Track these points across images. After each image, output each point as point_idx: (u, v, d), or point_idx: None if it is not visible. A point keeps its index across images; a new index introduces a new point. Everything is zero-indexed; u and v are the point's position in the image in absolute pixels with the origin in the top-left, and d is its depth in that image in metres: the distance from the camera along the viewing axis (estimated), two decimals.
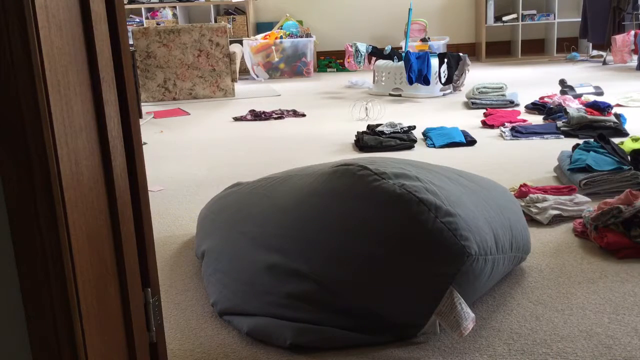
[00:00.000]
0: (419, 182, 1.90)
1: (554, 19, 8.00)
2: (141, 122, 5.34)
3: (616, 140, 3.55)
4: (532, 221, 2.69)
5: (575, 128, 4.18)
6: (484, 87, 5.43)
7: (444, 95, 5.98)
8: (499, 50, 8.32)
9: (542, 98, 5.12)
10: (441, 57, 5.94)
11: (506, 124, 4.51)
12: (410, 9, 6.97)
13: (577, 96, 5.17)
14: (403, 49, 6.76)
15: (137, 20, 7.92)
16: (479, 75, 6.87)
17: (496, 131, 4.44)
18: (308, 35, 7.67)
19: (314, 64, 7.81)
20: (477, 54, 8.24)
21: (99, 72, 1.13)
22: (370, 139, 4.14)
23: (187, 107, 6.03)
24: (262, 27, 8.14)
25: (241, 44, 7.52)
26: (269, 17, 8.24)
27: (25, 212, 0.97)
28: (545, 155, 3.73)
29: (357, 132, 4.33)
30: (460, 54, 6.08)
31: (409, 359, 1.78)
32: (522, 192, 2.94)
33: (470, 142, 4.12)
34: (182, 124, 5.29)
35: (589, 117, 4.19)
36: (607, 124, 4.14)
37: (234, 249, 2.16)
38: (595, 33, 7.39)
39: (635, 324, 1.90)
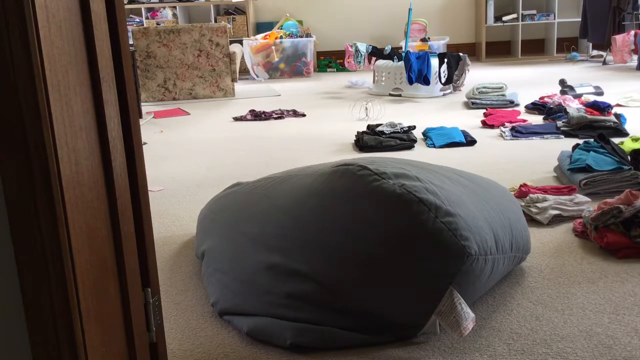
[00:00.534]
0: (419, 182, 1.90)
1: (554, 19, 8.01)
2: (141, 122, 5.34)
3: (616, 140, 3.55)
4: (532, 221, 2.69)
5: (575, 128, 4.18)
6: (484, 87, 5.43)
7: (444, 95, 5.98)
8: (499, 50, 8.32)
9: (542, 98, 5.12)
10: (441, 57, 5.94)
11: (506, 124, 4.51)
12: (410, 9, 6.97)
13: (577, 96, 5.17)
14: (403, 49, 6.76)
15: (137, 20, 7.92)
16: (479, 75, 6.87)
17: (496, 131, 4.44)
18: (308, 35, 7.68)
19: (314, 64, 7.81)
20: (477, 54, 8.24)
21: (99, 72, 1.13)
22: (370, 139, 4.14)
23: (187, 107, 6.03)
24: (262, 27, 8.14)
25: (241, 44, 7.52)
26: (269, 17, 8.24)
27: (25, 212, 0.97)
28: (545, 155, 3.73)
29: (357, 132, 4.33)
30: (460, 54, 6.08)
31: (409, 359, 1.78)
32: (522, 192, 2.94)
33: (470, 142, 4.12)
34: (182, 124, 5.29)
35: (589, 117, 4.19)
36: (607, 124, 4.14)
37: (234, 248, 2.16)
38: (595, 33, 7.39)
39: (635, 324, 1.90)
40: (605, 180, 2.99)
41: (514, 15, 8.00)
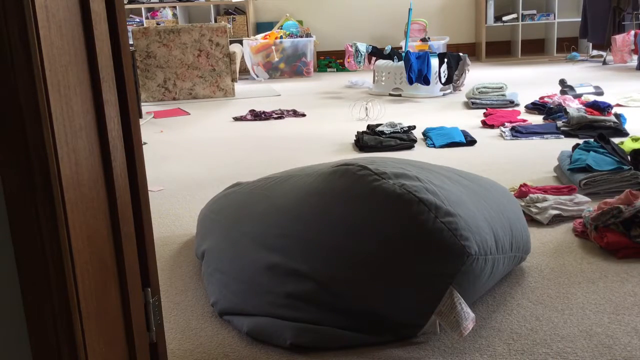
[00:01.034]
0: (419, 182, 1.90)
1: (554, 19, 8.00)
2: (141, 122, 5.34)
3: (616, 140, 3.55)
4: (532, 221, 2.69)
5: (575, 128, 4.18)
6: (484, 87, 5.43)
7: (444, 95, 5.98)
8: (499, 50, 8.32)
9: (542, 98, 5.12)
10: (441, 57, 5.94)
11: (506, 124, 4.51)
12: (410, 9, 6.97)
13: (577, 96, 5.17)
14: (403, 49, 6.76)
15: (137, 20, 7.92)
16: (479, 75, 6.87)
17: (496, 131, 4.44)
18: (308, 35, 7.67)
19: (314, 64, 7.81)
20: (477, 54, 8.24)
21: (99, 72, 1.13)
22: (370, 139, 4.14)
23: (187, 107, 6.03)
24: (262, 27, 8.14)
25: (241, 43, 7.52)
26: (269, 17, 8.24)
27: (25, 212, 0.97)
28: (545, 155, 3.73)
29: (357, 132, 4.33)
30: (460, 54, 6.08)
31: (409, 359, 1.78)
32: (522, 192, 2.94)
33: (470, 142, 4.12)
34: (182, 124, 5.29)
35: (589, 117, 4.19)
36: (607, 123, 4.14)
37: (234, 248, 2.16)
38: (595, 33, 7.39)
39: (635, 324, 1.90)
40: (605, 180, 2.99)
41: (514, 15, 8.00)
